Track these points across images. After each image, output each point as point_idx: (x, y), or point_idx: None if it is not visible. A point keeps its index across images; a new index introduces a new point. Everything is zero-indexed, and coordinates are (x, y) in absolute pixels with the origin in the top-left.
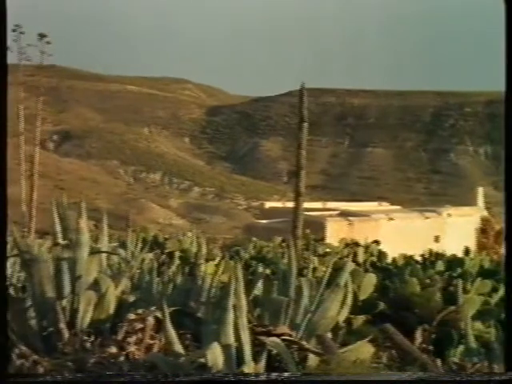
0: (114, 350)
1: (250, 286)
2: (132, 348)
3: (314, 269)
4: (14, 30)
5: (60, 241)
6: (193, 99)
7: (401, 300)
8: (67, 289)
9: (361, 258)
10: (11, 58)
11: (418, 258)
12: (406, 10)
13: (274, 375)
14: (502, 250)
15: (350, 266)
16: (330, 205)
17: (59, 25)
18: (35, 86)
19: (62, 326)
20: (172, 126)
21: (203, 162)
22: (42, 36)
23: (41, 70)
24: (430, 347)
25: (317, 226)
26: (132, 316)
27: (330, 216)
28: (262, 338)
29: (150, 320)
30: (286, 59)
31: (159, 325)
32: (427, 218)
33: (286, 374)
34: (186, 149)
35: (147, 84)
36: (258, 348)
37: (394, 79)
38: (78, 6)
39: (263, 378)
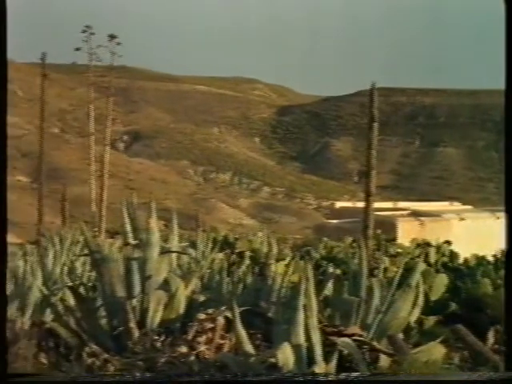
0: (184, 349)
1: (320, 286)
2: (202, 348)
3: (385, 269)
4: (84, 31)
5: (130, 240)
6: (263, 99)
7: (473, 301)
8: (137, 288)
9: (432, 258)
10: (82, 59)
11: (490, 259)
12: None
13: (343, 375)
14: None
15: (422, 266)
16: (401, 205)
17: (130, 25)
18: (106, 86)
19: (132, 325)
20: (242, 126)
21: (273, 162)
22: (112, 37)
23: (111, 70)
24: (503, 348)
25: (388, 226)
26: (202, 316)
27: (401, 216)
28: (333, 338)
29: (220, 320)
30: (356, 58)
31: (229, 324)
32: (499, 217)
33: (354, 374)
34: (256, 149)
35: (217, 84)
36: (328, 348)
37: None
38: (148, 7)
39: (332, 377)
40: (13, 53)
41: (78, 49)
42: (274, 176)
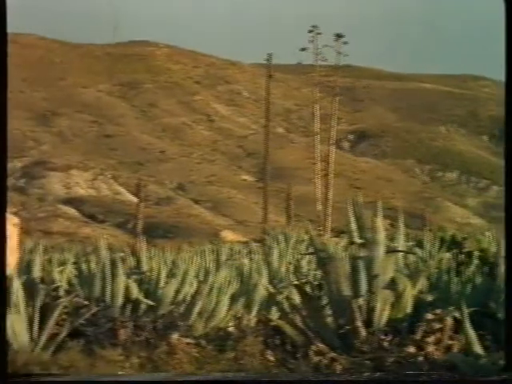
0: (412, 349)
1: None
2: (430, 348)
3: None
4: (310, 31)
5: (356, 239)
6: (491, 96)
7: None
8: (363, 287)
9: None
10: (308, 59)
11: None
12: None
13: None
14: None
15: None
16: None
17: (355, 25)
18: (331, 86)
19: (359, 324)
20: (470, 124)
21: (503, 161)
22: (338, 36)
23: (337, 70)
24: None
25: None
26: (430, 316)
27: None
28: None
29: (449, 320)
30: None
31: (458, 325)
32: None
33: None
34: (484, 147)
35: (444, 82)
36: None
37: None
38: (373, 7)
39: None
40: (240, 55)
41: (303, 49)
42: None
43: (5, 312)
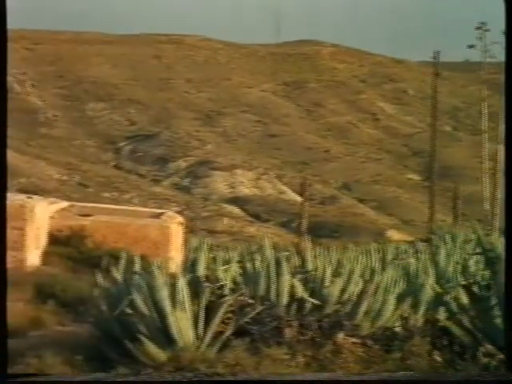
0: None
1: None
2: None
3: None
4: (478, 28)
5: None
6: None
7: None
8: None
9: None
10: (475, 56)
11: None
12: None
13: None
14: None
15: None
16: None
17: None
18: (498, 83)
19: None
20: None
21: None
22: None
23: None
24: None
25: None
26: None
27: None
28: None
29: None
30: None
31: None
32: None
33: None
34: None
35: None
36: None
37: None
38: None
39: None
40: (406, 52)
41: (471, 46)
42: None
43: (5, 314)
